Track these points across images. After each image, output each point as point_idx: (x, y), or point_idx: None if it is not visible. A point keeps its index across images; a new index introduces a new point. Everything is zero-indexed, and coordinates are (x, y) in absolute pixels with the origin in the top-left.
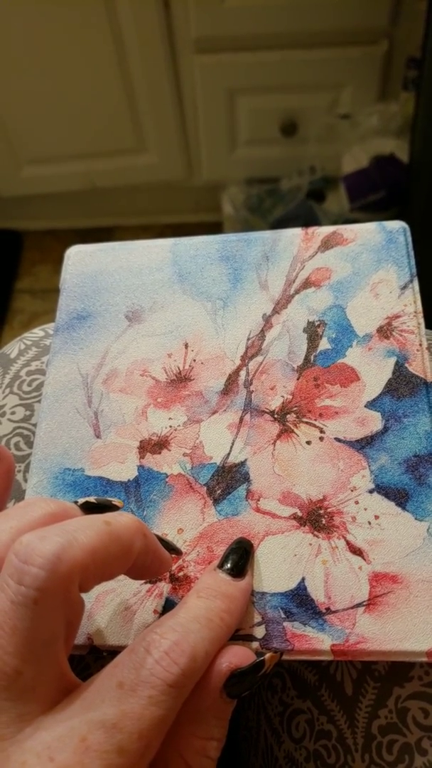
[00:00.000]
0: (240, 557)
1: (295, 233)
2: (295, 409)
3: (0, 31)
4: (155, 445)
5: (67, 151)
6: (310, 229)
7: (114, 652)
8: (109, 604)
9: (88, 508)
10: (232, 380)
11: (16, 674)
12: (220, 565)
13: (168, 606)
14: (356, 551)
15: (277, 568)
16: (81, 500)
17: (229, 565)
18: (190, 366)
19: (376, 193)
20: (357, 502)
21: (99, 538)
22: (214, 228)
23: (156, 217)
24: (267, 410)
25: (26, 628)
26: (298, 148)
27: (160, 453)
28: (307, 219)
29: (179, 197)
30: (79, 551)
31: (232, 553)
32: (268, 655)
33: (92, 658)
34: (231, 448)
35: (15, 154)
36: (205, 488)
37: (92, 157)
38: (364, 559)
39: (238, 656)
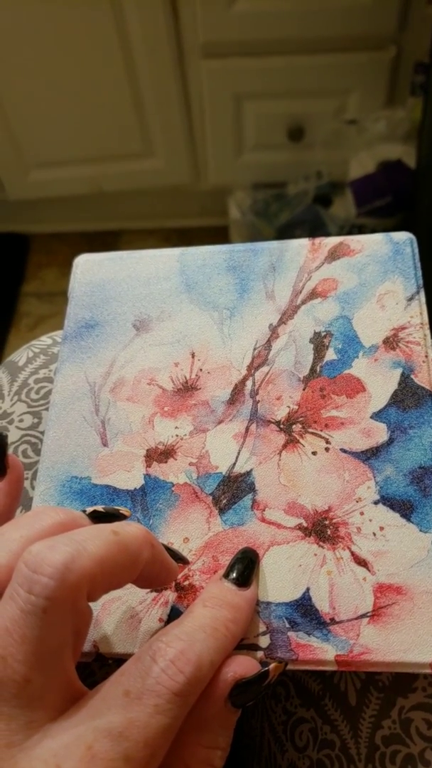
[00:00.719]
0: (245, 567)
1: (301, 244)
2: (301, 419)
3: (8, 36)
4: (162, 454)
5: (74, 155)
6: (317, 240)
7: (119, 659)
8: (115, 612)
9: (96, 518)
10: (238, 390)
11: (26, 682)
12: (226, 575)
13: (173, 614)
14: (361, 562)
15: (282, 578)
16: (89, 509)
17: (234, 575)
18: (196, 375)
19: (382, 199)
20: (362, 513)
21: (107, 548)
22: (220, 232)
23: (162, 221)
24: (273, 420)
25: (35, 636)
26: (305, 153)
27: (166, 462)
28: (313, 224)
29: (186, 201)
30: (87, 561)
31: (238, 563)
32: (272, 665)
33: (97, 666)
34: (237, 457)
35: (23, 158)
36: (211, 498)
37: (99, 161)
38: (369, 570)
39: (243, 666)
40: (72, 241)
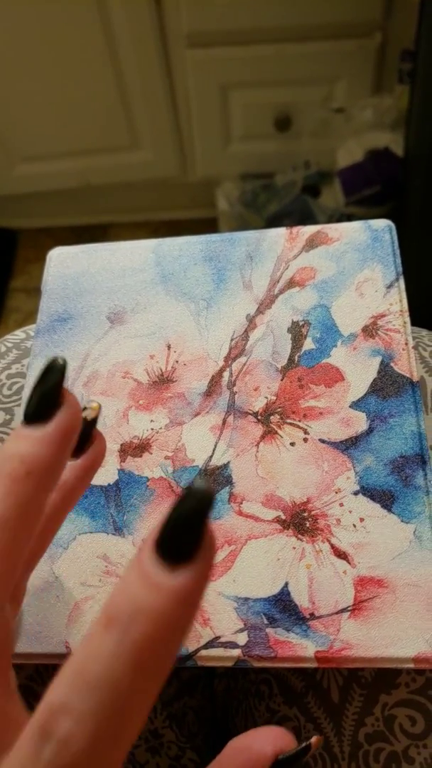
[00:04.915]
0: (184, 526)
1: (279, 233)
2: (278, 410)
3: None
4: (136, 448)
5: (61, 148)
6: (295, 229)
7: None
8: (88, 612)
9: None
10: (215, 381)
11: None
12: (157, 542)
13: None
14: (341, 555)
15: (259, 572)
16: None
17: (164, 545)
18: (172, 367)
19: (371, 187)
20: (342, 505)
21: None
22: (209, 224)
23: (151, 214)
24: (250, 411)
25: None
26: (293, 142)
27: (141, 456)
28: (302, 214)
29: (174, 194)
30: None
31: (172, 521)
32: (314, 739)
33: None
34: (213, 450)
35: (8, 152)
36: None
37: (86, 154)
38: (349, 563)
39: (282, 740)
40: (60, 235)
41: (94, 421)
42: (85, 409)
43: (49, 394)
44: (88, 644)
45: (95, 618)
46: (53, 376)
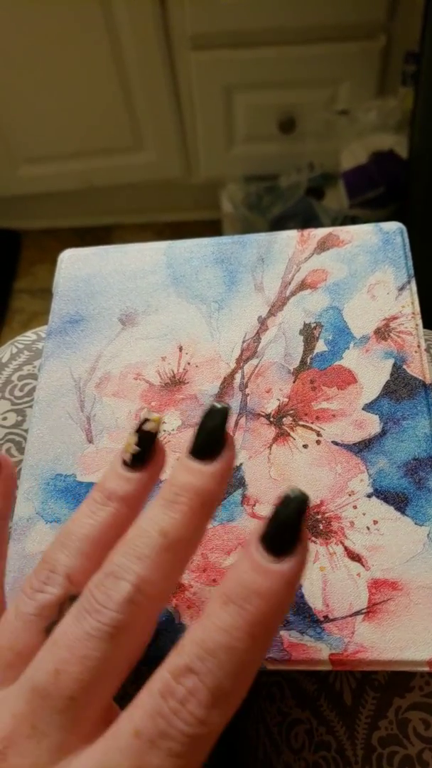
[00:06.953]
0: (291, 523)
1: (290, 235)
2: (291, 412)
3: None
4: None
5: (64, 150)
6: (306, 231)
7: None
8: None
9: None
10: (227, 383)
11: (71, 701)
12: (263, 538)
13: (162, 617)
14: (355, 557)
15: None
16: (126, 455)
17: (270, 540)
18: (184, 369)
19: (375, 190)
20: (355, 507)
21: (163, 563)
22: (213, 226)
23: (155, 216)
24: (263, 413)
25: (96, 658)
26: (297, 144)
27: None
28: (306, 216)
29: (178, 195)
30: (151, 589)
31: (281, 516)
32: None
33: None
34: None
35: (12, 154)
36: None
37: (90, 155)
38: (363, 566)
39: None
40: (64, 237)
41: (155, 434)
42: (146, 421)
43: (217, 433)
44: (206, 619)
45: (210, 600)
46: (219, 416)
